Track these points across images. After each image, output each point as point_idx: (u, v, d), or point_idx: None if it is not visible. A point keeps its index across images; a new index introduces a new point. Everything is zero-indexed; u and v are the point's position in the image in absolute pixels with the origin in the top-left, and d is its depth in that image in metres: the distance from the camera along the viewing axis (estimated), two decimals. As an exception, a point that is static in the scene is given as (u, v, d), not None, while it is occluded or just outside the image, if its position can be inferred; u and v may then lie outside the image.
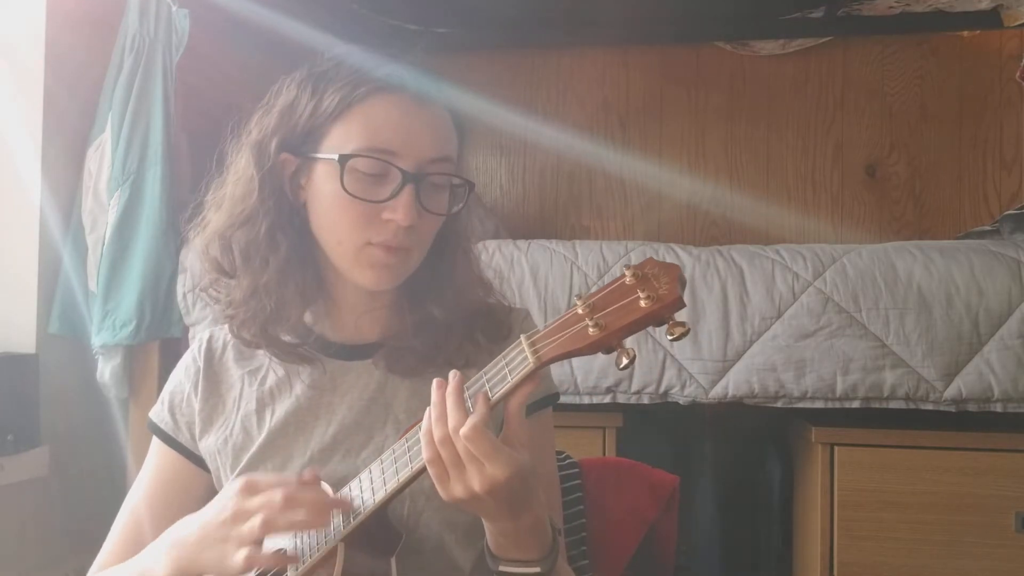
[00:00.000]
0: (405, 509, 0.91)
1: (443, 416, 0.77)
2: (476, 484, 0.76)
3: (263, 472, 0.95)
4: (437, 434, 0.77)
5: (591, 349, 0.73)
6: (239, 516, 0.83)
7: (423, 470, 0.80)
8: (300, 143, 0.94)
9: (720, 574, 2.31)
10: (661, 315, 0.72)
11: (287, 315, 0.97)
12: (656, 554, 1.21)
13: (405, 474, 0.81)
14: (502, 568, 0.83)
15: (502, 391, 0.77)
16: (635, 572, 1.19)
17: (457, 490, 0.77)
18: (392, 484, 0.81)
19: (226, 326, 1.03)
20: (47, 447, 1.84)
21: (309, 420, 0.97)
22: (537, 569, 0.82)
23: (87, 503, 1.94)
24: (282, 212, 0.95)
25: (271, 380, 1.00)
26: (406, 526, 0.90)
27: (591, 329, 0.72)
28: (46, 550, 1.89)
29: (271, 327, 0.98)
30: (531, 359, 0.75)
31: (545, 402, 1.02)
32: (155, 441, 1.04)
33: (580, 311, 0.74)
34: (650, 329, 1.75)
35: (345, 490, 0.86)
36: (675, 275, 0.72)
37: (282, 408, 0.98)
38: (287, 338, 0.99)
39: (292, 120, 0.94)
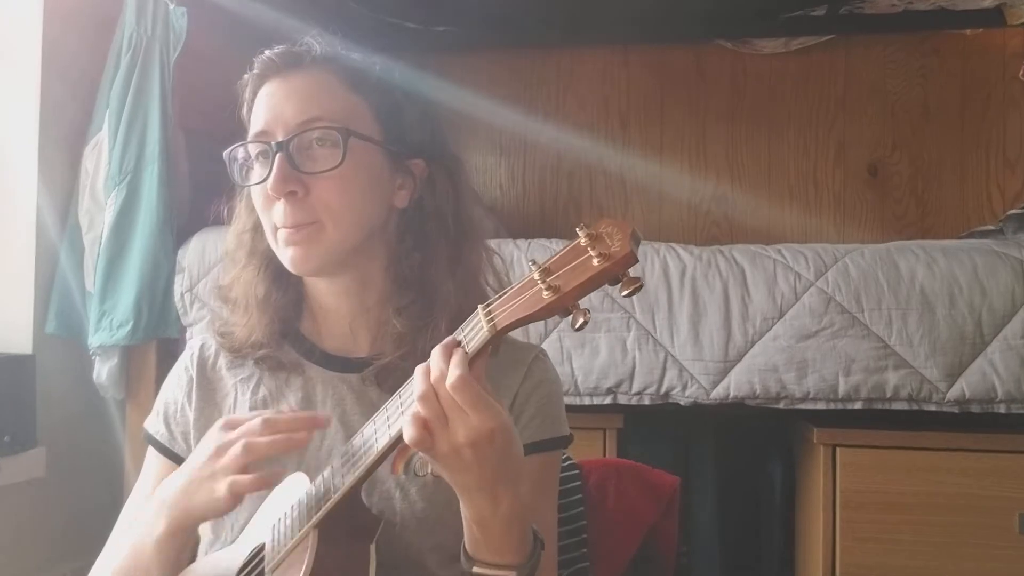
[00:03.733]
0: (395, 532, 0.89)
1: (427, 372, 0.76)
2: (461, 436, 0.73)
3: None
4: (420, 389, 0.75)
5: (546, 312, 0.72)
6: (222, 449, 0.83)
7: (389, 450, 0.78)
8: None
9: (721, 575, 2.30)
10: (614, 272, 0.70)
11: (272, 324, 0.98)
12: (656, 555, 1.20)
13: (372, 456, 0.79)
14: (476, 570, 0.81)
15: None
16: (635, 573, 1.18)
17: (442, 446, 0.74)
18: (361, 468, 0.80)
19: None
20: (44, 448, 1.83)
21: None
22: (513, 574, 0.80)
23: (84, 504, 1.93)
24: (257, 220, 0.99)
25: (263, 391, 1.00)
26: (391, 549, 0.87)
27: (545, 292, 0.71)
28: (44, 551, 1.89)
29: (259, 336, 0.98)
30: (486, 327, 0.74)
31: (551, 444, 0.97)
32: (151, 451, 1.04)
33: (535, 277, 0.72)
34: (650, 329, 1.76)
35: (317, 478, 0.85)
36: (627, 231, 0.71)
37: None
38: (277, 347, 0.99)
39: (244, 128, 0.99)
